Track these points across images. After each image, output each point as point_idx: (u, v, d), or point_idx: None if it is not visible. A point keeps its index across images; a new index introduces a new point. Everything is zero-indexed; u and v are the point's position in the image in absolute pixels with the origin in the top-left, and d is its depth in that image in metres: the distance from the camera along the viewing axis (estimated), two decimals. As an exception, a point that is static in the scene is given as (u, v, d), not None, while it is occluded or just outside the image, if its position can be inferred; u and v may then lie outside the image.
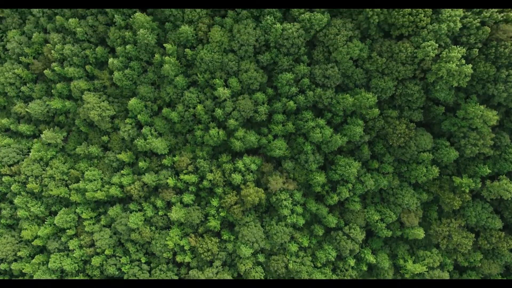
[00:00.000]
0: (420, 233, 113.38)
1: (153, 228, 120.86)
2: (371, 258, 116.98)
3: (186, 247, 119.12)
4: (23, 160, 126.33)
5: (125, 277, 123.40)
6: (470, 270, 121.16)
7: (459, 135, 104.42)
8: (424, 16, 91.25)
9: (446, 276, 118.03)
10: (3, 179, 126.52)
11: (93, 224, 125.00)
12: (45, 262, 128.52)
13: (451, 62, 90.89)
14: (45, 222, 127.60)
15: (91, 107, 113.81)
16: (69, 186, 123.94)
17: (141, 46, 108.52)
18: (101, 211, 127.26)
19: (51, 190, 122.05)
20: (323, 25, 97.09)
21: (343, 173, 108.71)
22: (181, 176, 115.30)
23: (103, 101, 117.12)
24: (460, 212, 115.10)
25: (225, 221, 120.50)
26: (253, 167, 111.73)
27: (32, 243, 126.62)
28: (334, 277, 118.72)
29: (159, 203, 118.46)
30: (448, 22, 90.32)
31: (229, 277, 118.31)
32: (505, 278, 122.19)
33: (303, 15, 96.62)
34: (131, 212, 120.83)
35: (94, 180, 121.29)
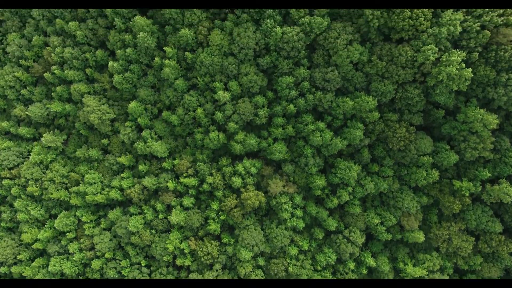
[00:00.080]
0: (420, 237, 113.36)
1: (153, 231, 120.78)
2: (371, 262, 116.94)
3: (186, 251, 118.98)
4: (23, 163, 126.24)
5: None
6: (470, 274, 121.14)
7: (459, 139, 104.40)
8: (424, 20, 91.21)
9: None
10: (3, 182, 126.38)
11: (93, 227, 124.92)
12: (45, 266, 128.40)
13: (451, 66, 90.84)
14: (45, 225, 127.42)
15: (91, 110, 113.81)
16: (69, 189, 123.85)
17: (141, 49, 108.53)
18: (101, 214, 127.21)
19: (51, 193, 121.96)
20: (323, 29, 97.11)
21: (343, 176, 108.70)
22: (181, 179, 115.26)
23: (103, 104, 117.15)
24: (460, 216, 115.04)
25: (225, 225, 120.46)
26: (253, 170, 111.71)
27: (32, 246, 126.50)
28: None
29: (159, 206, 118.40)
30: (448, 26, 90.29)
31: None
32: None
33: (303, 19, 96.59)
34: (131, 215, 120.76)
35: (94, 183, 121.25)
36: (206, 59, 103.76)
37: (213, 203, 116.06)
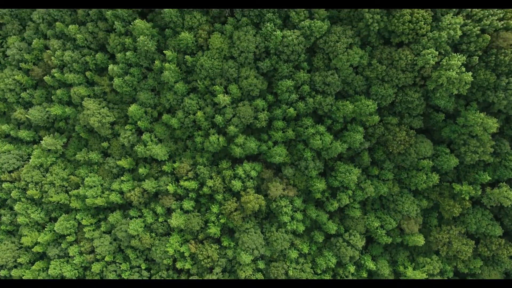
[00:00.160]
0: (420, 240, 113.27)
1: (153, 234, 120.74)
2: (371, 265, 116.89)
3: (186, 254, 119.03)
4: (23, 166, 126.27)
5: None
6: (470, 277, 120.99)
7: (459, 142, 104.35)
8: (424, 24, 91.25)
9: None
10: (3, 185, 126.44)
11: (93, 230, 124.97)
12: (45, 269, 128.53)
13: (451, 70, 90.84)
14: (45, 229, 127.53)
15: (91, 113, 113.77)
16: (69, 193, 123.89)
17: (141, 53, 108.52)
18: (101, 218, 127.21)
19: (51, 197, 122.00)
20: (323, 32, 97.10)
21: (343, 179, 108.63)
22: (181, 183, 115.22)
23: (103, 107, 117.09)
24: (460, 219, 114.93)
25: (225, 228, 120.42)
26: (253, 173, 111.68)
27: (32, 249, 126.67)
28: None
29: (159, 209, 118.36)
30: (448, 29, 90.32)
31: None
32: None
33: (303, 22, 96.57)
34: (131, 219, 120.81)
35: (94, 186, 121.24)
36: (206, 62, 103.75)
37: (213, 206, 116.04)
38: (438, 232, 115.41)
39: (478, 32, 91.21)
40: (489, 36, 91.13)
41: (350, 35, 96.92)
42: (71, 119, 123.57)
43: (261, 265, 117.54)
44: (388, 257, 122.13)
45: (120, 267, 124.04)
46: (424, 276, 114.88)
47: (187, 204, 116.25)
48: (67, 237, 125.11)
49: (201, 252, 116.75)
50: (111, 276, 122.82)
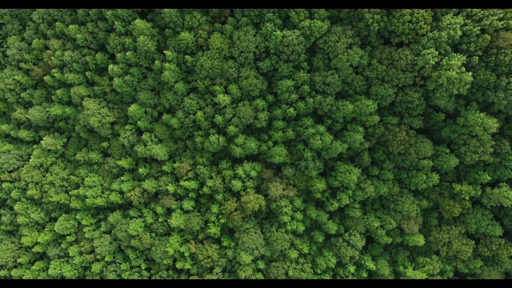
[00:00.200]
0: (420, 240, 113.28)
1: (153, 234, 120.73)
2: (371, 265, 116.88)
3: (186, 254, 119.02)
4: (23, 166, 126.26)
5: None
6: (470, 277, 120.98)
7: (459, 142, 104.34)
8: (424, 24, 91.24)
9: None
10: (3, 185, 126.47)
11: (93, 230, 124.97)
12: (45, 269, 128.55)
13: (451, 70, 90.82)
14: (45, 229, 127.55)
15: (91, 114, 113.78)
16: (69, 193, 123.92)
17: (141, 53, 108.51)
18: (101, 218, 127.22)
19: (51, 197, 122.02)
20: (323, 32, 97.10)
21: (343, 179, 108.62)
22: (181, 183, 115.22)
23: (103, 107, 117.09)
24: (460, 219, 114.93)
25: (225, 228, 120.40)
26: (253, 173, 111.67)
27: (32, 249, 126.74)
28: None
29: (159, 209, 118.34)
30: (448, 29, 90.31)
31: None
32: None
33: (303, 22, 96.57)
34: (131, 219, 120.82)
35: (94, 186, 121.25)
36: (206, 62, 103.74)
37: (213, 206, 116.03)
38: (438, 232, 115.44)
39: (478, 32, 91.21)
40: (489, 36, 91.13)
41: (350, 35, 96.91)
42: (71, 119, 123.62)
43: (261, 265, 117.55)
44: (388, 257, 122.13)
45: (120, 267, 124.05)
46: (424, 276, 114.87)
47: (187, 204, 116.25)
48: (67, 237, 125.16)
49: (201, 252, 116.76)
50: (111, 276, 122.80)
